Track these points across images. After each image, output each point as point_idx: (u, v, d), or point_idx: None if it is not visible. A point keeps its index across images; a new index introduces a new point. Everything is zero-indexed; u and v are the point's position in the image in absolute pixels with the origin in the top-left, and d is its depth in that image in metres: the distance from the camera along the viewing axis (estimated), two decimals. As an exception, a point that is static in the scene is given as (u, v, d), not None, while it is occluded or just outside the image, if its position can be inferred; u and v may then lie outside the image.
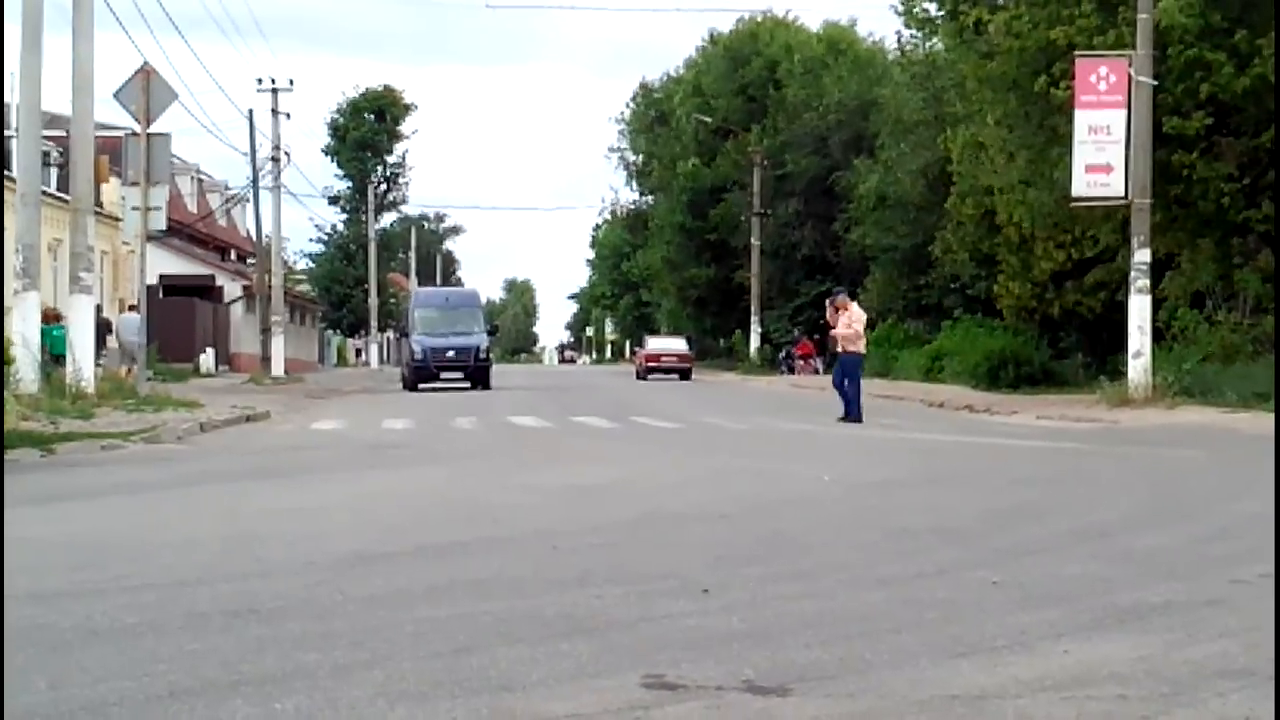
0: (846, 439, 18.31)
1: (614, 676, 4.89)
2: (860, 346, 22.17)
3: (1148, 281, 24.45)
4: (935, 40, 37.09)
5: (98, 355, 32.39)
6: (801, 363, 52.58)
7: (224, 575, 7.05)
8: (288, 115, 49.55)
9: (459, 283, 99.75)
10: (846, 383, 21.47)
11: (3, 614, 5.67)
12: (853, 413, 21.05)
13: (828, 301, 23.12)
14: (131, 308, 38.21)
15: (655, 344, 54.29)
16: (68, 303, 23.91)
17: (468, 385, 38.09)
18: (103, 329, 34.34)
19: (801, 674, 4.93)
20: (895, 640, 5.48)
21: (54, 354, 24.29)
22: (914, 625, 5.78)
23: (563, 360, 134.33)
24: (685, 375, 49.23)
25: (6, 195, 24.01)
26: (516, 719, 4.39)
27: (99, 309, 38.41)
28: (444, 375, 38.84)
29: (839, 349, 22.29)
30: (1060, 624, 5.79)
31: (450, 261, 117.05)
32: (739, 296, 59.70)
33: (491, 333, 42.82)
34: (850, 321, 21.80)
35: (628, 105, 79.02)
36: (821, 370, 51.51)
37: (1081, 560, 7.56)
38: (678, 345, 53.67)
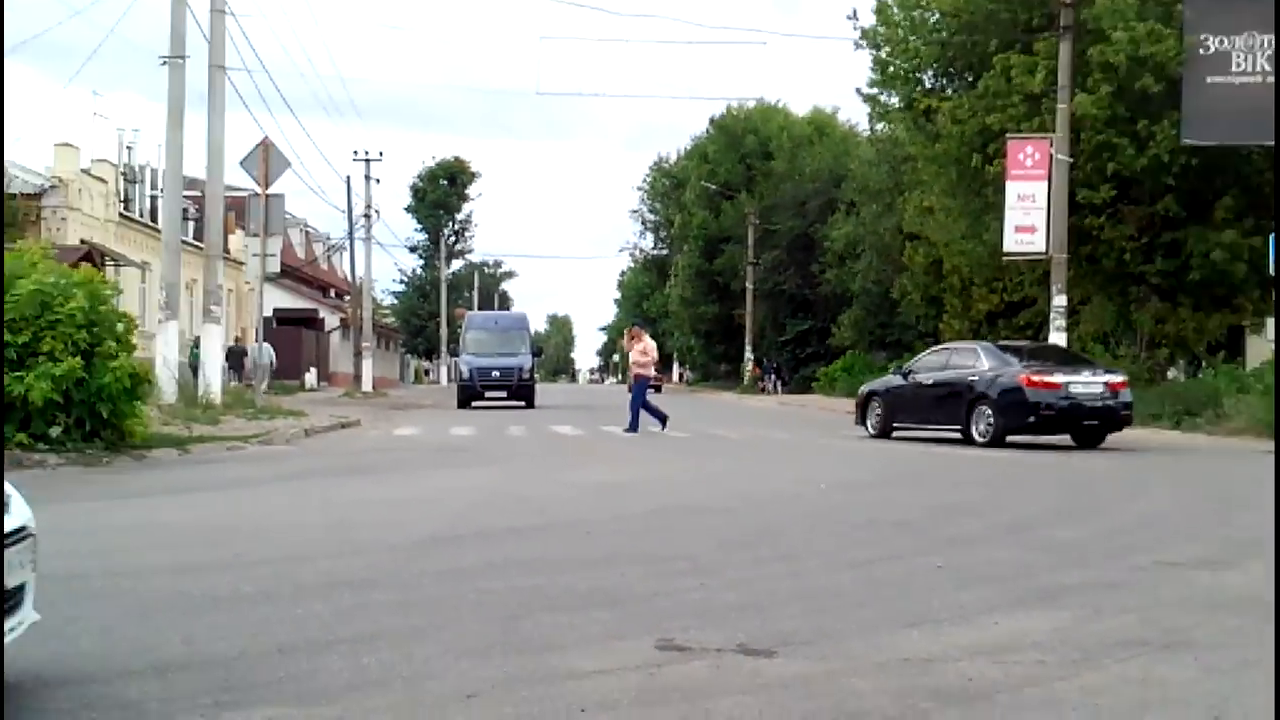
0: (824, 447, 18.26)
1: (633, 640, 4.89)
2: (650, 371, 21.38)
3: (1064, 322, 24.60)
4: (894, 126, 36.93)
5: (238, 376, 33.16)
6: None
7: (323, 553, 7.06)
8: (378, 180, 49.57)
9: None
10: (637, 400, 20.85)
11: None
12: (632, 426, 20.53)
13: (625, 331, 22.50)
14: (237, 339, 38.67)
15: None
16: (201, 331, 24.05)
17: (517, 404, 33.33)
18: (241, 354, 35.15)
19: (785, 639, 4.92)
20: (860, 613, 5.47)
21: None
22: (875, 601, 5.77)
23: (591, 381, 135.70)
24: (657, 389, 56.15)
25: (153, 245, 24.18)
26: (554, 673, 4.38)
27: (237, 339, 38.97)
28: (489, 394, 33.67)
29: (633, 373, 21.68)
30: (992, 601, 5.77)
31: (505, 299, 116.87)
32: (740, 331, 59.80)
33: (536, 354, 36.69)
34: (644, 350, 21.26)
35: (645, 178, 79.35)
36: (771, 389, 51.62)
37: (1010, 548, 7.52)
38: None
